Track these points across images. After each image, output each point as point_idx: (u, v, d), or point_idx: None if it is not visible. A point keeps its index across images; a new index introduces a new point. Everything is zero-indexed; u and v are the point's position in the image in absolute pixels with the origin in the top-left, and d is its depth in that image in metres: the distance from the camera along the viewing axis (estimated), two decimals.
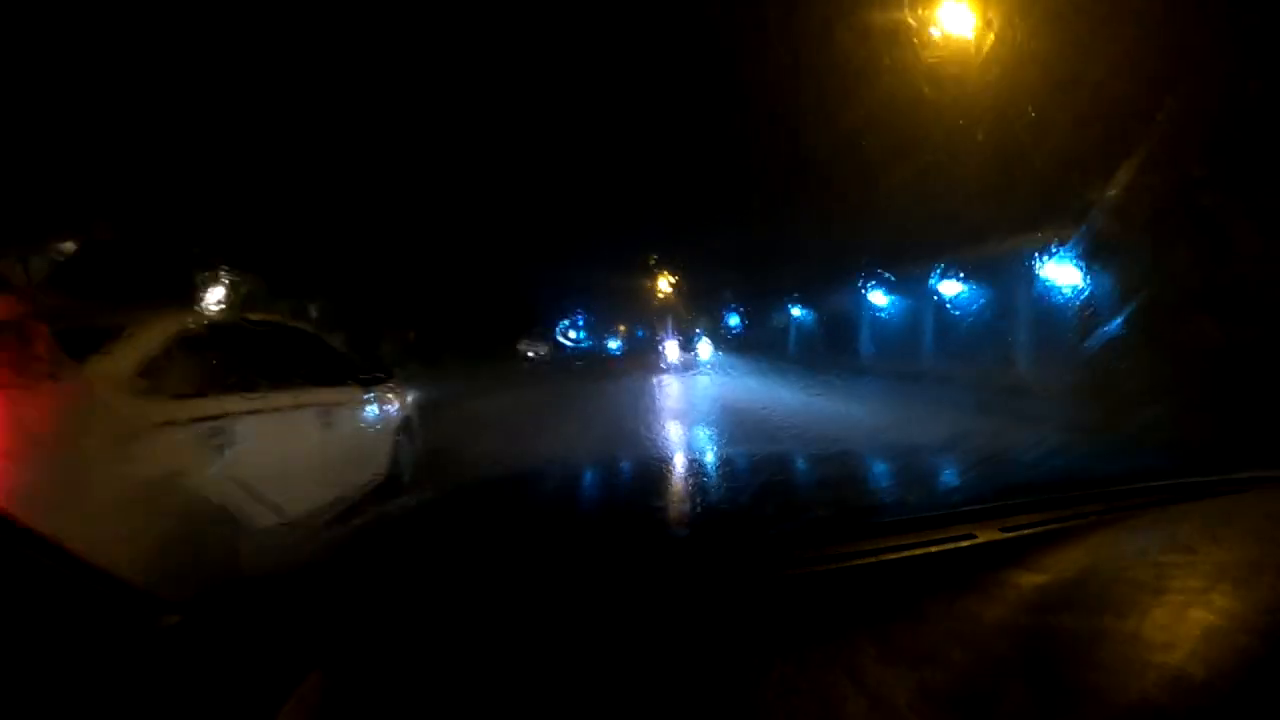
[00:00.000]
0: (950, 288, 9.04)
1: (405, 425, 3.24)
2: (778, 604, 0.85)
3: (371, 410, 2.82)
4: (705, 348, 16.52)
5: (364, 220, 11.13)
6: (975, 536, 0.99)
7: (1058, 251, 6.61)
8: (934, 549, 0.96)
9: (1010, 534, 1.01)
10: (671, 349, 15.82)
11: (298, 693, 0.70)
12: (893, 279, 10.82)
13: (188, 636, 0.80)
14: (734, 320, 20.06)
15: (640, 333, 23.08)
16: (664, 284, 17.42)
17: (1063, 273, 6.80)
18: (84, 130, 6.49)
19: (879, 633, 0.75)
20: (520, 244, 17.91)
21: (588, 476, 1.95)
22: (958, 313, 8.99)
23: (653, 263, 16.87)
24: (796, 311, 17.31)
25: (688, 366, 13.54)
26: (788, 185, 13.55)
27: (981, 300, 8.64)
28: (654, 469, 2.04)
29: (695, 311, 17.82)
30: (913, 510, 1.14)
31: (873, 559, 0.93)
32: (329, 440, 2.29)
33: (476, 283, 15.70)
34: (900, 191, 7.99)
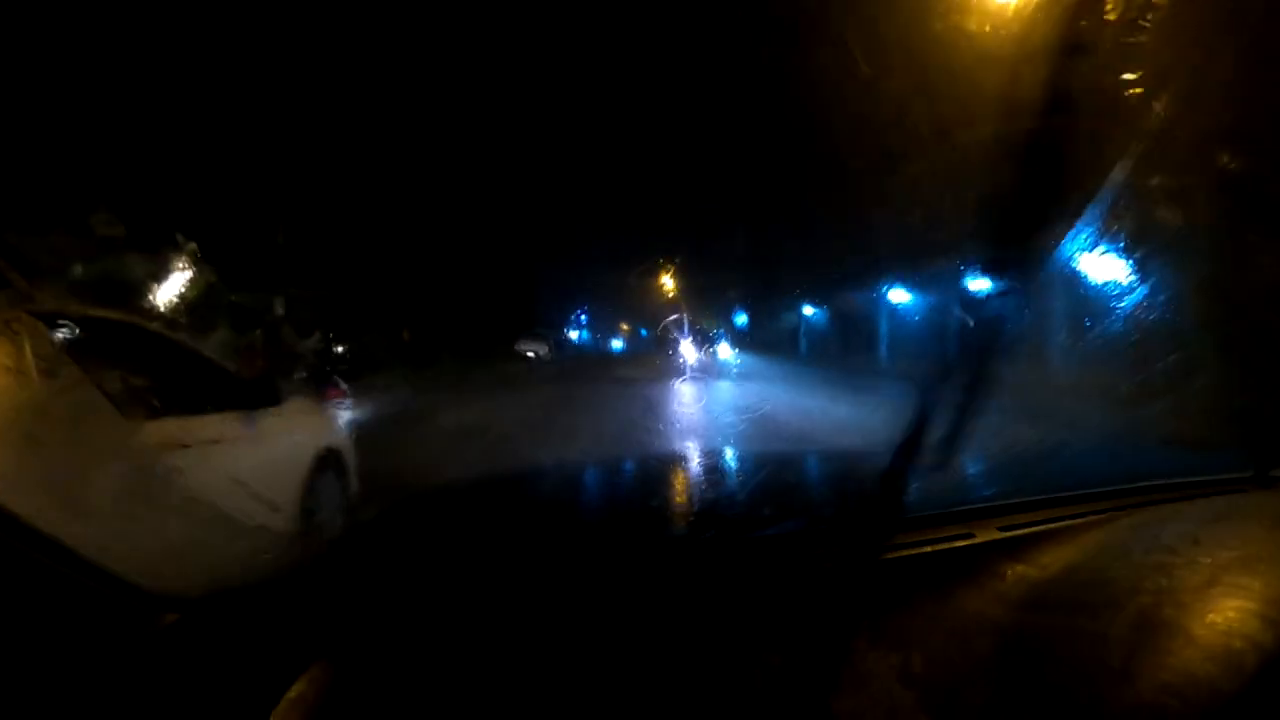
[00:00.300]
0: (979, 284, 8.35)
1: (329, 460, 2.56)
2: (774, 600, 0.86)
3: (264, 448, 2.16)
4: (725, 348, 15.31)
5: (361, 216, 10.78)
6: (973, 536, 1.02)
7: (1101, 244, 5.98)
8: (928, 549, 0.97)
9: (1007, 533, 1.03)
10: (688, 350, 14.51)
11: (303, 679, 0.70)
12: (914, 275, 10.11)
13: (187, 635, 0.79)
14: (741, 320, 19.39)
15: (644, 332, 22.43)
16: (668, 282, 16.73)
17: (1106, 266, 6.21)
18: (46, 117, 5.99)
19: (871, 623, 0.78)
20: (521, 242, 17.51)
21: (590, 476, 1.94)
22: (988, 312, 8.31)
23: (657, 261, 16.21)
24: (808, 310, 16.66)
25: (705, 369, 12.51)
26: (797, 179, 12.99)
27: (1016, 297, 7.99)
28: (662, 473, 2.01)
29: (700, 311, 17.07)
30: (911, 510, 1.11)
31: (867, 558, 0.96)
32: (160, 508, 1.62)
33: (476, 281, 15.37)
34: (923, 181, 7.38)
